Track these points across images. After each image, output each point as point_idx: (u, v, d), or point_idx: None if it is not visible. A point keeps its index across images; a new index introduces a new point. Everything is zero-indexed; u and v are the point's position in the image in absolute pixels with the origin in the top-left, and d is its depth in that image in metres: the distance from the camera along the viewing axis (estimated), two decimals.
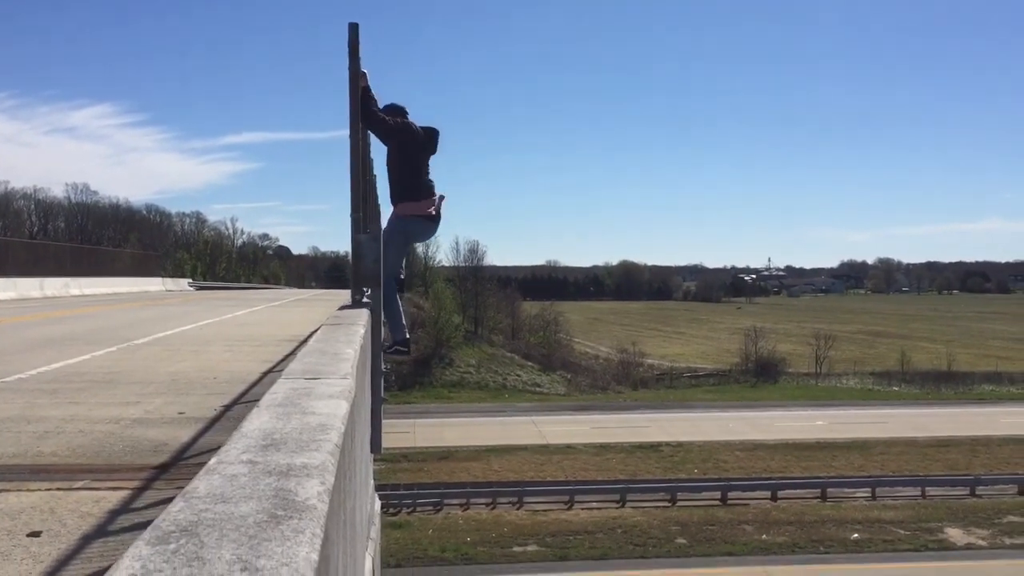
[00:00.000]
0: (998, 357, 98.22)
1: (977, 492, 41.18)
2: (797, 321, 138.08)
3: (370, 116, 7.55)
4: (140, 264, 36.11)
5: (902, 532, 35.92)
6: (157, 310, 18.00)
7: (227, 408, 5.62)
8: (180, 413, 5.48)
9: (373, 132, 7.89)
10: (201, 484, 2.06)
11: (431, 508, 38.96)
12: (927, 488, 41.44)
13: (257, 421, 2.93)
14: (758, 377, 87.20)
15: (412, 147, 7.91)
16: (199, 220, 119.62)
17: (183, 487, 2.06)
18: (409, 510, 38.55)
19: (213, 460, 2.32)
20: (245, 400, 5.84)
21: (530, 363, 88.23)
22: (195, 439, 4.68)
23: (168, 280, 37.81)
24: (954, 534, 35.98)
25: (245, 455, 2.38)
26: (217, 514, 1.82)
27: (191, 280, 47.70)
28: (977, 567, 32.08)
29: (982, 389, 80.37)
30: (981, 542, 35.18)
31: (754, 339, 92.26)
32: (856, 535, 35.56)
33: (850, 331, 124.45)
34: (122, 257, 36.69)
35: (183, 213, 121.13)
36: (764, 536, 35.39)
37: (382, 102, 7.86)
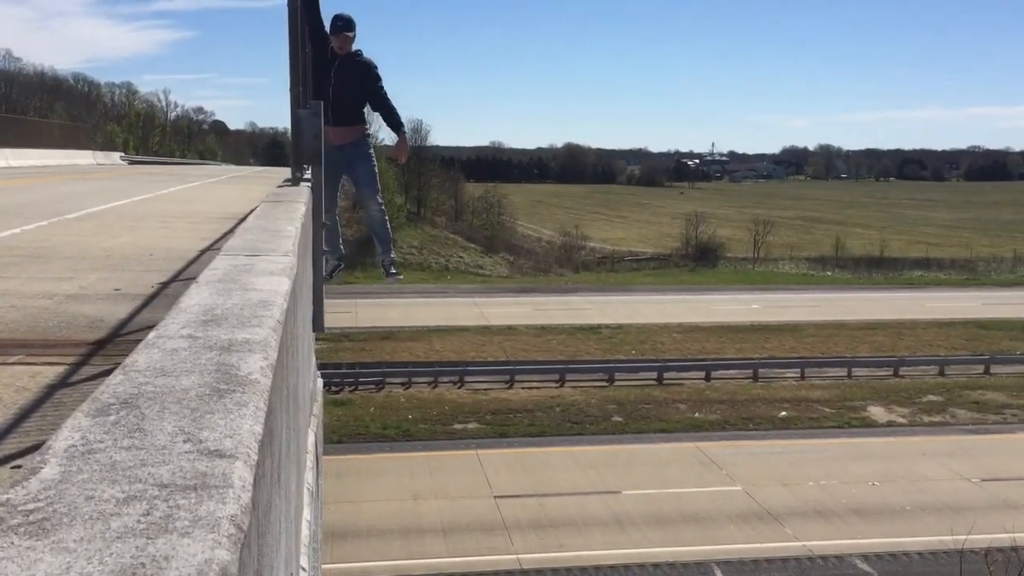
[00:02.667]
0: (928, 244, 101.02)
1: (900, 372, 42.94)
2: (738, 207, 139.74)
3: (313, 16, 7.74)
4: (69, 136, 34.84)
5: (827, 410, 37.45)
6: (89, 184, 17.49)
7: (164, 285, 5.52)
8: (116, 289, 5.37)
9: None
10: (141, 358, 2.03)
11: (373, 387, 39.42)
12: (853, 369, 43.05)
13: (197, 297, 2.88)
14: (698, 262, 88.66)
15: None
16: (130, 91, 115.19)
17: (121, 363, 2.03)
18: (351, 388, 38.96)
19: (152, 334, 2.28)
20: (183, 278, 5.74)
21: (473, 245, 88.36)
22: (132, 316, 4.60)
23: (99, 154, 36.58)
24: (876, 412, 37.63)
25: (185, 330, 2.35)
26: (158, 387, 1.80)
27: (123, 154, 46.25)
28: (896, 443, 33.73)
29: (911, 274, 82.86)
30: (901, 420, 36.89)
31: (695, 224, 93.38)
32: (784, 413, 36.99)
33: (789, 217, 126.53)
34: (50, 128, 35.35)
35: (113, 83, 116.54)
36: (697, 414, 36.63)
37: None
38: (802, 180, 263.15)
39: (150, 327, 2.88)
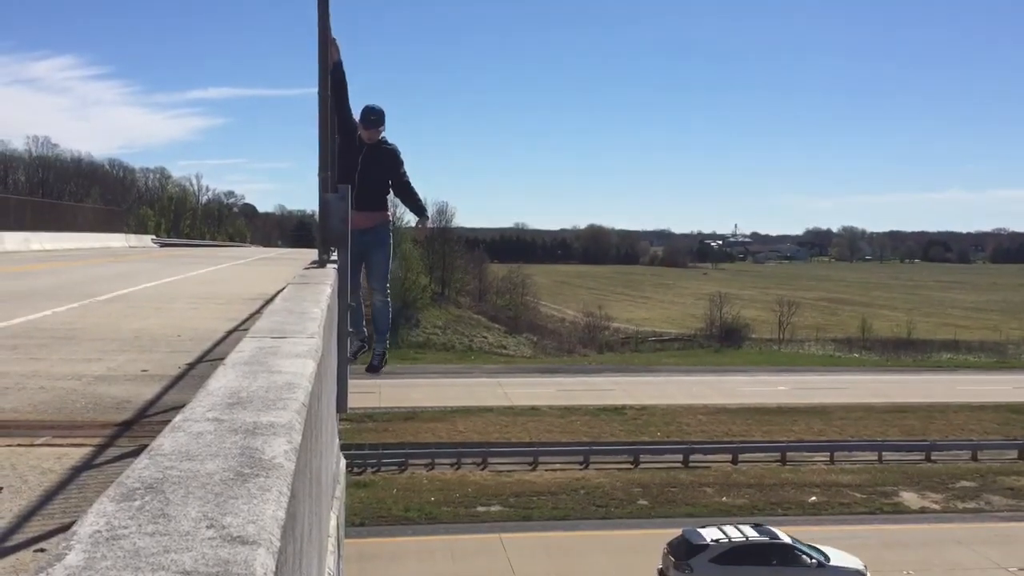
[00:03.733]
0: (956, 326, 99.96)
1: (932, 457, 42.07)
2: (762, 287, 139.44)
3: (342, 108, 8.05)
4: (103, 219, 35.54)
5: (858, 495, 36.66)
6: (120, 266, 17.78)
7: (191, 366, 5.58)
8: (143, 370, 5.43)
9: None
10: (167, 441, 2.04)
11: (396, 468, 39.13)
12: (884, 453, 42.24)
13: (223, 379, 2.91)
14: (722, 342, 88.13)
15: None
16: (163, 176, 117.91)
17: (147, 444, 2.04)
18: (374, 470, 38.68)
19: (179, 417, 2.30)
20: (210, 358, 5.80)
21: (497, 325, 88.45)
22: (159, 396, 4.64)
23: (131, 236, 37.28)
24: (909, 498, 36.78)
25: (211, 413, 2.37)
26: (183, 471, 1.81)
27: (155, 237, 47.07)
28: (930, 530, 32.86)
29: (940, 357, 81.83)
30: (935, 506, 36.01)
31: (719, 305, 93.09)
32: (814, 498, 36.24)
33: (813, 298, 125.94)
34: (84, 212, 36.09)
35: (147, 169, 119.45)
36: (724, 498, 35.96)
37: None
38: (826, 261, 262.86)
39: (176, 408, 2.90)
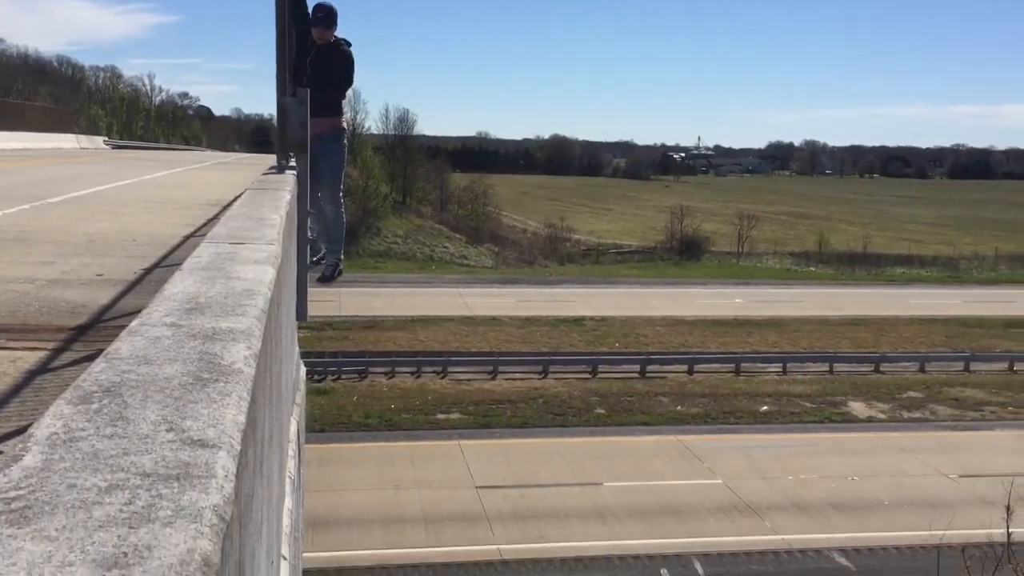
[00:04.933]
0: (912, 240, 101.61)
1: (881, 369, 43.26)
2: (723, 201, 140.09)
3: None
4: (52, 119, 34.50)
5: (808, 405, 37.69)
6: (72, 168, 17.35)
7: (148, 271, 5.50)
8: (98, 275, 5.34)
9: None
10: (124, 345, 2.02)
11: (356, 376, 39.39)
12: (835, 364, 43.32)
13: (181, 285, 2.87)
14: (682, 255, 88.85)
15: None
16: (114, 75, 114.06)
17: (104, 349, 2.01)
18: (334, 377, 38.91)
19: (136, 322, 2.27)
20: (167, 264, 5.72)
21: (458, 235, 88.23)
22: (114, 301, 4.57)
23: (82, 137, 36.27)
24: (857, 407, 37.89)
25: (169, 318, 2.34)
26: (141, 376, 1.79)
27: (107, 138, 45.87)
28: (876, 438, 33.99)
29: (894, 271, 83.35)
30: (881, 415, 37.16)
31: (680, 218, 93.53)
32: (765, 407, 37.20)
33: (773, 212, 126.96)
34: (33, 111, 34.99)
35: (97, 67, 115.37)
36: (679, 407, 36.78)
37: None
38: (787, 175, 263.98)
39: (133, 314, 2.87)
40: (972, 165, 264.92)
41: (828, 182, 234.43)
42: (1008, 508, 10.65)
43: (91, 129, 60.01)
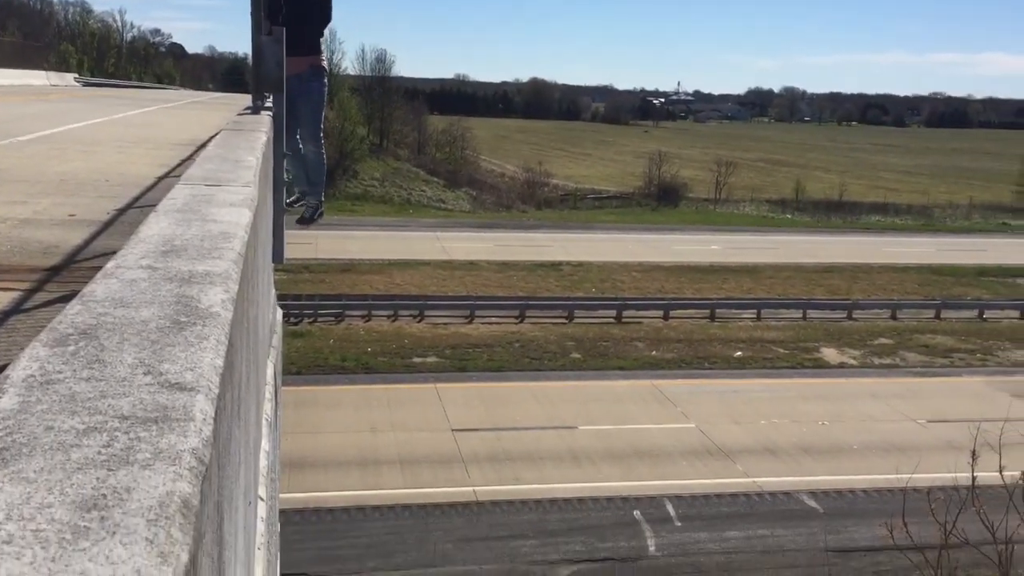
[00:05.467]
0: (887, 189, 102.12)
1: (854, 315, 43.77)
2: (701, 147, 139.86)
3: None
4: (21, 55, 33.71)
5: (781, 351, 38.14)
6: (42, 106, 17.01)
7: (121, 212, 5.43)
8: (71, 215, 5.27)
9: None
10: (99, 288, 2.00)
11: (332, 319, 39.37)
12: (808, 311, 43.78)
13: (156, 227, 2.84)
14: (660, 201, 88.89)
15: None
16: (84, 10, 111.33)
17: (78, 290, 2.00)
18: (311, 320, 38.88)
19: (111, 264, 2.25)
20: (140, 204, 5.65)
21: (435, 179, 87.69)
22: (87, 242, 4.52)
23: (52, 74, 35.46)
24: (829, 353, 38.40)
25: (144, 260, 2.32)
26: (117, 318, 1.78)
27: (77, 76, 44.92)
28: (847, 384, 34.53)
29: (869, 219, 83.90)
30: (853, 361, 37.69)
31: (658, 164, 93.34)
32: (739, 353, 37.62)
33: (751, 159, 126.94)
34: (2, 46, 34.20)
35: (67, 1, 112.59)
36: (654, 352, 37.11)
37: None
38: (766, 122, 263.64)
39: (106, 255, 2.84)
40: (949, 114, 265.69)
41: (806, 129, 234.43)
42: (974, 452, 10.90)
43: (61, 66, 58.76)
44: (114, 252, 2.45)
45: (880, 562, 21.08)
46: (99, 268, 2.23)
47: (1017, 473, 10.49)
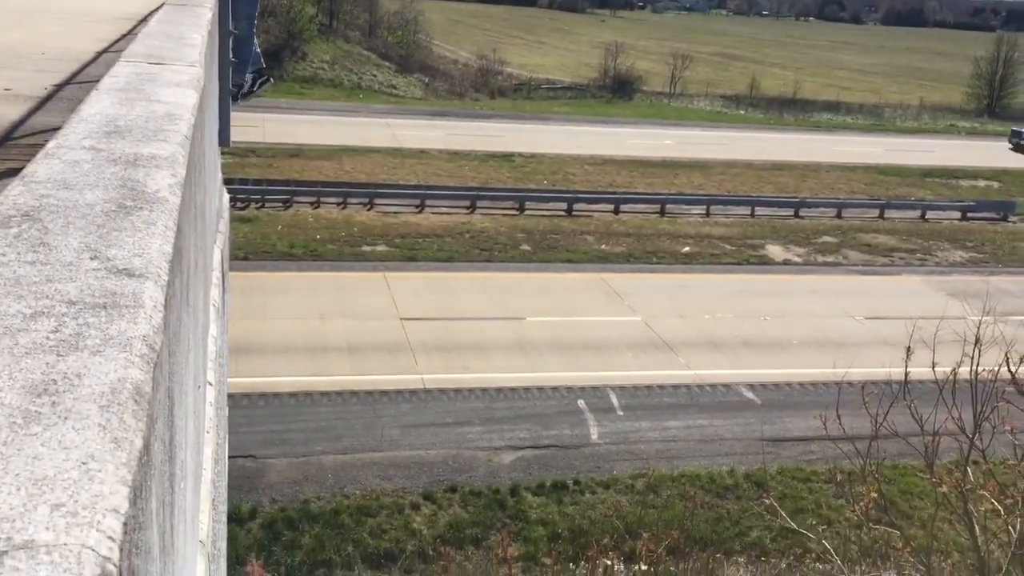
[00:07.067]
0: (840, 87, 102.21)
1: (800, 213, 44.38)
2: (658, 39, 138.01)
3: None
4: None
5: (728, 247, 38.66)
6: None
7: (59, 87, 5.23)
8: (6, 89, 5.07)
9: None
10: (40, 169, 1.94)
11: (280, 204, 38.83)
12: (756, 208, 44.26)
13: (98, 105, 2.74)
14: (614, 93, 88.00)
15: None
16: None
17: (17, 169, 1.93)
18: (258, 205, 38.31)
19: (52, 144, 2.18)
20: (80, 80, 5.44)
21: (387, 63, 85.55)
22: (25, 118, 4.36)
23: None
24: (774, 250, 39.05)
25: (87, 141, 2.24)
26: (61, 201, 1.73)
27: None
28: (790, 280, 35.26)
29: (821, 117, 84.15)
30: (797, 259, 38.41)
31: (614, 55, 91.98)
32: (687, 248, 38.06)
33: (708, 52, 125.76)
34: None
35: None
36: (603, 246, 37.37)
37: None
38: (724, 15, 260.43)
39: (45, 131, 2.75)
40: (906, 12, 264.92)
41: (764, 23, 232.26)
42: (908, 349, 11.28)
43: None
44: (54, 130, 2.37)
45: (812, 451, 22.01)
46: (38, 146, 2.16)
47: (948, 369, 10.91)
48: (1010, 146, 67.79)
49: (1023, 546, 10.01)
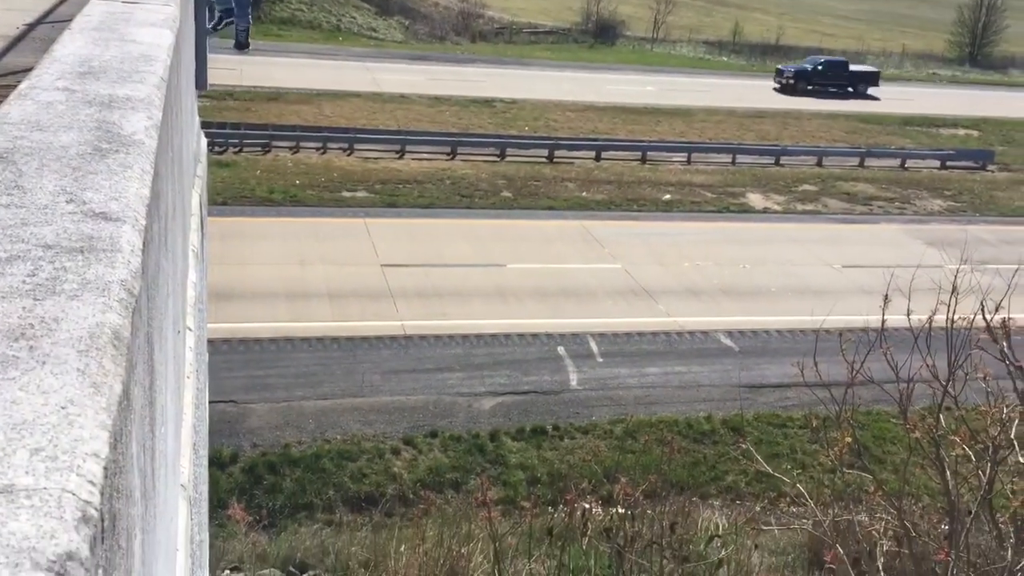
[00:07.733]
0: (823, 33, 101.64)
1: (781, 162, 44.38)
2: None
3: None
4: None
5: (709, 195, 38.68)
6: None
7: (31, 27, 5.11)
8: None
9: None
10: (13, 110, 1.90)
11: (259, 149, 38.42)
12: (737, 156, 44.21)
13: (71, 46, 2.68)
14: (596, 38, 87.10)
15: None
16: None
17: None
18: (236, 150, 37.88)
19: (25, 84, 2.13)
20: (52, 20, 5.32)
21: (366, 5, 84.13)
22: None
23: None
24: (754, 199, 39.11)
25: (61, 82, 2.20)
26: (35, 143, 1.70)
27: None
28: (769, 228, 35.38)
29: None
30: (776, 207, 38.51)
31: None
32: (668, 196, 38.05)
33: None
34: None
35: None
36: (584, 193, 37.29)
37: None
38: None
39: (17, 72, 2.69)
40: None
41: None
42: (885, 297, 11.37)
43: None
44: (26, 70, 2.32)
45: (788, 397, 22.28)
46: (10, 87, 2.11)
47: (924, 317, 11.02)
48: (775, 86, 63.95)
49: (992, 490, 10.24)
